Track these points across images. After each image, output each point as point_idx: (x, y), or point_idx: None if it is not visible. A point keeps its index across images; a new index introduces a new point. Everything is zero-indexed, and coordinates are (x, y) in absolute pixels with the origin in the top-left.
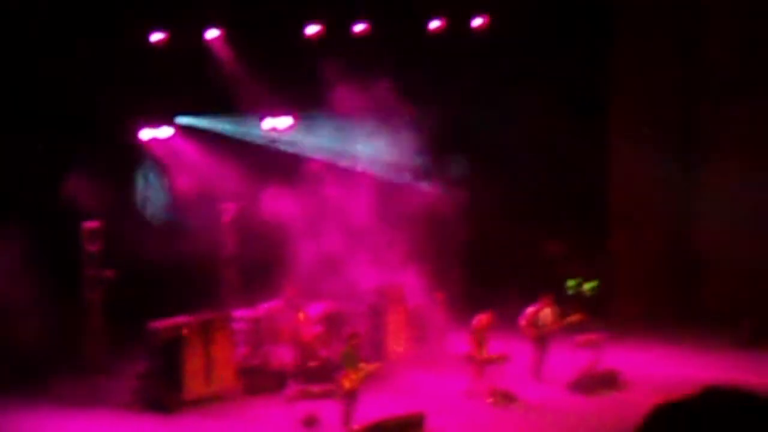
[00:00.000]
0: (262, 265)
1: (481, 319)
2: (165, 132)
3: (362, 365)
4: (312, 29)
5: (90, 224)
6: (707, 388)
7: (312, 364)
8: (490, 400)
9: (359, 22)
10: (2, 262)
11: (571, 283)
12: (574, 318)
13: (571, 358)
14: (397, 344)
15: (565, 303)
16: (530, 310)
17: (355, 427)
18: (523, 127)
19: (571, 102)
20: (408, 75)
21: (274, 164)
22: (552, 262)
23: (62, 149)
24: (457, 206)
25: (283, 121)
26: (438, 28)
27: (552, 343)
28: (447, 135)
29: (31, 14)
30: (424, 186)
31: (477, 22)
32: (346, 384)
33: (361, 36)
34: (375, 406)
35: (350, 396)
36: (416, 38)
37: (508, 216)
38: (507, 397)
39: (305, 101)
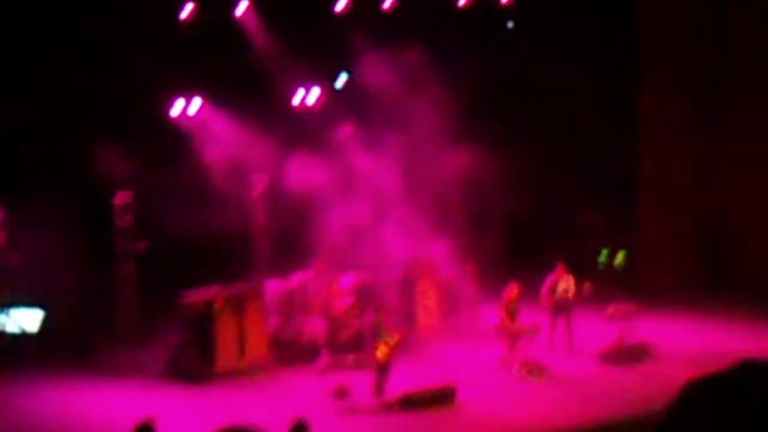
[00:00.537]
0: (293, 236)
1: (512, 289)
2: (195, 105)
3: (391, 336)
4: (341, 4)
5: (121, 198)
6: (743, 362)
7: (343, 335)
8: (522, 371)
9: None
10: (35, 237)
11: (603, 254)
12: (586, 287)
13: (601, 329)
14: (428, 316)
15: (596, 274)
16: (549, 279)
17: (388, 399)
18: (554, 99)
19: (602, 75)
20: (438, 45)
21: (304, 133)
22: (584, 234)
23: (93, 123)
24: (489, 176)
25: (312, 94)
26: (467, 2)
27: (574, 313)
28: (479, 103)
29: None
30: (457, 154)
31: None
32: (378, 355)
33: (390, 10)
34: (407, 378)
35: (382, 367)
36: (446, 11)
37: (539, 187)
38: (538, 369)
39: (334, 74)
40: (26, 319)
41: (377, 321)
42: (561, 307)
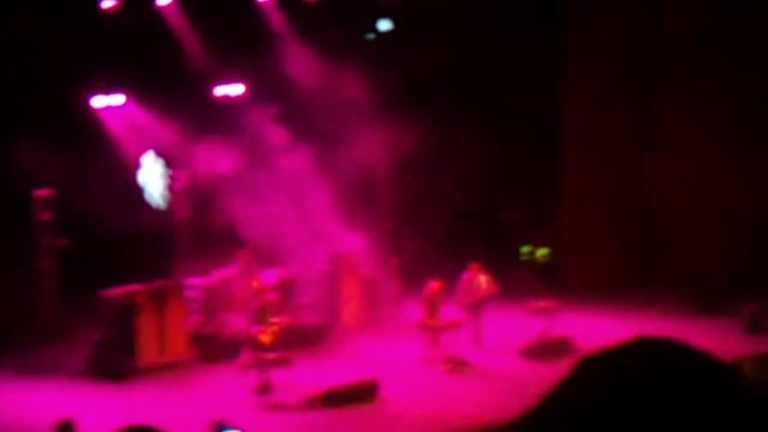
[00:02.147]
0: (215, 232)
1: (433, 286)
2: (117, 99)
3: (271, 323)
4: None
5: (42, 193)
6: (639, 339)
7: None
8: (444, 367)
9: None
10: None
11: (524, 250)
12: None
13: (523, 324)
14: (350, 311)
15: (519, 270)
16: (464, 278)
17: (310, 394)
18: (475, 92)
19: (525, 64)
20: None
21: (226, 126)
22: (506, 230)
23: (13, 117)
24: (412, 169)
25: (235, 89)
26: None
27: (486, 310)
28: (405, 94)
29: None
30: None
31: None
32: (263, 339)
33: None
34: (329, 373)
35: (267, 351)
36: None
37: (462, 184)
38: (460, 364)
39: (259, 68)
40: None
41: (262, 306)
42: (475, 305)
